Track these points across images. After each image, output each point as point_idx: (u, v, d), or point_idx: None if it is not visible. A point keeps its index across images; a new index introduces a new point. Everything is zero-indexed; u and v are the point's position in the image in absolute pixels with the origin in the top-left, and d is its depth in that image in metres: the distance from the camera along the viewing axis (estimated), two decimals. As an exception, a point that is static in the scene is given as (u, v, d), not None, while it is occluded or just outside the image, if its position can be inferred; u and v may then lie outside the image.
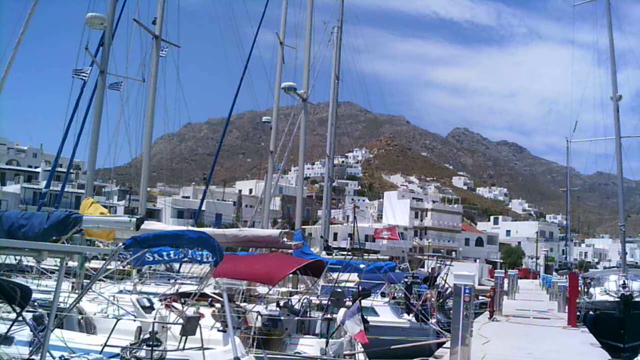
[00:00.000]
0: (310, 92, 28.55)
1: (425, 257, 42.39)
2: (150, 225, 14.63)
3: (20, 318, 6.80)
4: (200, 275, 12.68)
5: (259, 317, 12.33)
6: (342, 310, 12.52)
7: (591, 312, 25.02)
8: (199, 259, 9.43)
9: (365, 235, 63.69)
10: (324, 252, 26.60)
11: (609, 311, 23.20)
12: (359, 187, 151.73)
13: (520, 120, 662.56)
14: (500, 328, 21.89)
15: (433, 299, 21.91)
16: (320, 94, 50.77)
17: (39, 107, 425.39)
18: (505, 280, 37.12)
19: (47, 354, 6.38)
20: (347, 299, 13.63)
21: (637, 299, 22.28)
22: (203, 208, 36.73)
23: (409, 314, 20.31)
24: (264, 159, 33.32)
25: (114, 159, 23.68)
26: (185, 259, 9.87)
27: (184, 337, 9.05)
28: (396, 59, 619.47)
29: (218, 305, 11.79)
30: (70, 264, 12.06)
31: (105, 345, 8.92)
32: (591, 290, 28.41)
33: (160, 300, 11.43)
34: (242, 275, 13.34)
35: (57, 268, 11.20)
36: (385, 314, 19.54)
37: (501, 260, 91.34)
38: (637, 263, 62.47)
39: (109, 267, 11.61)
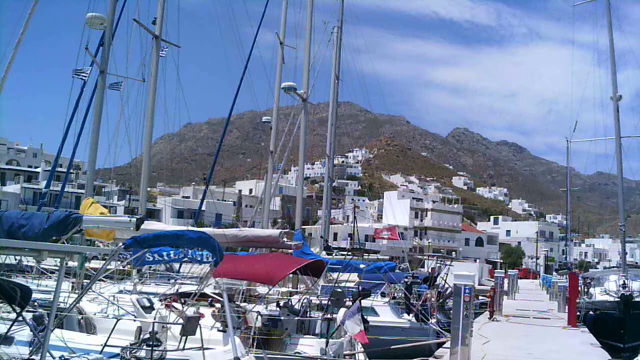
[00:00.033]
0: (310, 92, 28.57)
1: (425, 257, 42.39)
2: (150, 225, 14.63)
3: (20, 318, 6.80)
4: (200, 275, 12.68)
5: (259, 317, 12.33)
6: (342, 310, 12.52)
7: (591, 312, 25.02)
8: (199, 259, 9.43)
9: (365, 235, 63.69)
10: (324, 252, 26.60)
11: (609, 311, 23.19)
12: (359, 187, 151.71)
13: (520, 120, 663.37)
14: (500, 328, 21.89)
15: (433, 299, 21.91)
16: (320, 94, 50.86)
17: (39, 107, 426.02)
18: (505, 280, 37.12)
19: (47, 354, 6.38)
20: (347, 299, 13.63)
21: (637, 299, 22.28)
22: (203, 208, 36.73)
23: (409, 314, 20.31)
24: (264, 159, 33.32)
25: (114, 159, 23.72)
26: (185, 259, 9.87)
27: (184, 337, 9.05)
28: (396, 59, 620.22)
29: (218, 305, 11.79)
30: (70, 264, 12.06)
31: (105, 345, 8.92)
32: (591, 290, 28.41)
33: (160, 300, 11.43)
34: (242, 275, 13.34)
35: (57, 268, 11.20)
36: (385, 314, 19.54)
37: (501, 260, 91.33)
38: (637, 263, 62.48)
39: (109, 267, 11.61)
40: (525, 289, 49.66)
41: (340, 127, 62.29)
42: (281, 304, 14.14)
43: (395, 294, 22.15)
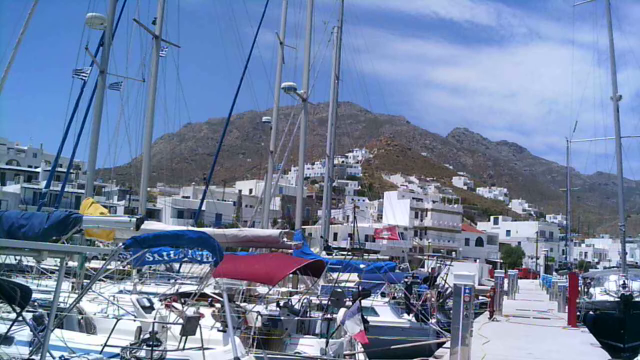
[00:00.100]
0: (310, 92, 28.57)
1: (425, 257, 42.39)
2: (150, 225, 14.63)
3: (20, 318, 6.80)
4: (200, 275, 12.68)
5: (259, 317, 12.32)
6: (342, 310, 12.52)
7: (591, 312, 25.01)
8: (199, 259, 9.43)
9: (365, 235, 63.69)
10: (324, 252, 26.59)
11: (609, 311, 23.19)
12: (359, 187, 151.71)
13: (520, 120, 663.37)
14: (500, 328, 21.89)
15: (433, 299, 21.91)
16: (320, 94, 50.85)
17: (39, 107, 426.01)
18: (505, 280, 37.12)
19: (47, 354, 6.38)
20: (347, 299, 13.63)
21: (637, 299, 22.28)
22: (203, 208, 36.73)
23: (409, 314, 20.31)
24: (264, 159, 33.32)
25: (114, 159, 23.72)
26: (185, 259, 9.87)
27: (184, 337, 9.05)
28: (396, 59, 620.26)
29: (218, 305, 11.79)
30: (70, 264, 12.06)
31: (105, 345, 8.92)
32: (591, 290, 28.40)
33: (160, 300, 11.43)
34: (242, 275, 13.34)
35: (57, 268, 11.20)
36: (385, 314, 19.54)
37: (501, 260, 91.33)
38: (637, 263, 62.47)
39: (109, 267, 11.61)
40: (525, 289, 49.66)
41: (340, 127, 62.31)
42: (281, 304, 14.14)
43: (395, 294, 22.15)
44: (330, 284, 17.36)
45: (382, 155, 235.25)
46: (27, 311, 7.89)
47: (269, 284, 13.81)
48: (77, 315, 10.76)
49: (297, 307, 13.99)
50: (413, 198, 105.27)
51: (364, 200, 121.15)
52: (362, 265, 21.28)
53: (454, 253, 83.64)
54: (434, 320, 20.35)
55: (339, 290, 14.14)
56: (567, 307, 25.35)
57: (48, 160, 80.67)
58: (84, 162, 52.88)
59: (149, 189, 26.71)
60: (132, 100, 22.86)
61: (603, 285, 26.79)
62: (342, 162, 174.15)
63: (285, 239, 16.64)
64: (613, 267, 51.26)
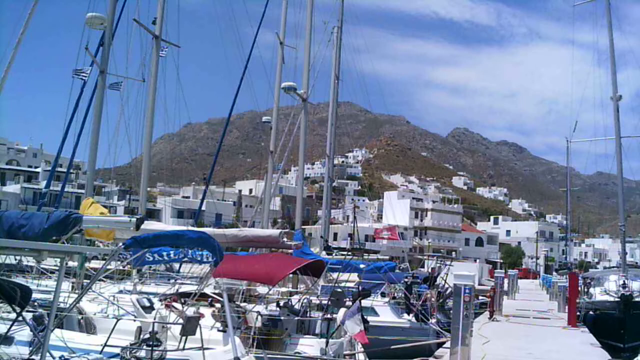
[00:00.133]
0: (310, 92, 28.57)
1: (425, 257, 42.39)
2: (150, 225, 14.63)
3: (20, 318, 6.80)
4: (200, 275, 12.67)
5: (259, 317, 12.32)
6: (342, 310, 12.52)
7: (591, 312, 25.01)
8: (199, 259, 9.43)
9: (365, 235, 63.69)
10: (324, 252, 26.59)
11: (609, 311, 23.19)
12: (359, 187, 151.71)
13: (520, 120, 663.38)
14: (500, 328, 21.89)
15: (433, 299, 21.91)
16: (320, 94, 50.85)
17: (39, 107, 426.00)
18: (505, 280, 37.12)
19: (47, 354, 6.38)
20: (347, 299, 13.63)
21: (637, 299, 22.28)
22: (203, 208, 36.73)
23: (409, 314, 20.31)
24: (264, 159, 33.32)
25: (114, 159, 23.71)
26: (185, 259, 9.87)
27: (184, 337, 9.05)
28: (396, 59, 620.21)
29: (218, 305, 11.79)
30: (70, 264, 12.06)
31: (105, 345, 8.92)
32: (591, 290, 28.40)
33: (160, 300, 11.43)
34: (242, 275, 13.34)
35: (57, 268, 11.20)
36: (385, 314, 19.54)
37: (501, 260, 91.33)
38: (637, 263, 62.47)
39: (109, 267, 11.61)
40: (525, 289, 49.65)
41: (340, 127, 62.31)
42: (281, 304, 14.14)
43: (395, 294, 22.15)
44: (330, 284, 17.36)
45: (382, 155, 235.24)
46: (27, 311, 7.89)
47: (269, 284, 13.81)
48: (77, 315, 10.76)
49: (297, 307, 13.99)
50: (413, 198, 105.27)
51: (364, 200, 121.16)
52: (362, 265, 21.28)
53: (454, 253, 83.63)
54: (434, 320, 20.35)
55: (339, 290, 14.14)
56: (567, 307, 25.35)
57: (48, 160, 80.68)
58: (84, 162, 52.90)
59: (149, 189, 26.71)
60: (132, 100, 22.89)
61: (603, 285, 26.79)
62: (342, 162, 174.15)
63: (285, 239, 16.64)
64: (613, 267, 51.26)
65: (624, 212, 29.35)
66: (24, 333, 8.27)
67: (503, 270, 46.13)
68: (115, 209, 56.84)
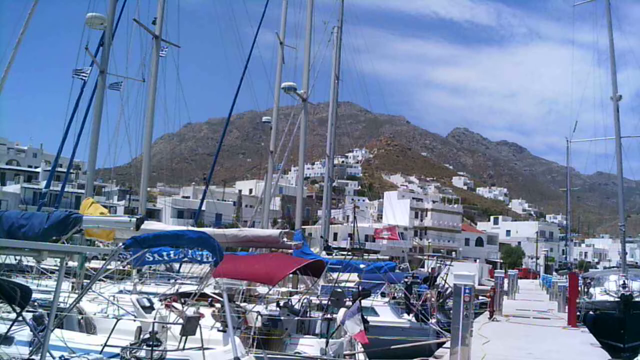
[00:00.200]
0: (310, 92, 28.56)
1: (425, 257, 42.39)
2: (150, 225, 14.63)
3: (20, 318, 6.80)
4: (200, 275, 12.67)
5: (259, 317, 12.32)
6: (342, 310, 12.52)
7: (591, 312, 25.01)
8: (199, 259, 9.43)
9: (365, 235, 63.69)
10: (324, 252, 26.59)
11: (609, 311, 23.19)
12: (359, 187, 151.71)
13: (520, 120, 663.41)
14: (500, 328, 21.89)
15: (433, 299, 21.91)
16: (320, 94, 50.87)
17: (39, 107, 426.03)
18: (505, 280, 37.12)
19: (47, 354, 6.38)
20: (347, 299, 13.63)
21: (637, 299, 22.28)
22: (203, 208, 36.73)
23: (409, 314, 20.31)
24: (264, 159, 33.32)
25: (114, 159, 23.72)
26: (185, 259, 9.87)
27: (184, 337, 9.05)
28: (396, 59, 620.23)
29: (218, 305, 11.79)
30: (70, 264, 12.06)
31: (105, 345, 8.92)
32: (591, 290, 28.40)
33: (160, 300, 11.43)
34: (242, 275, 13.34)
35: (57, 268, 11.20)
36: (385, 314, 19.54)
37: (501, 260, 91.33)
38: (637, 263, 62.47)
39: (109, 267, 11.61)
40: (525, 289, 49.65)
41: (340, 127, 62.31)
42: (281, 304, 14.14)
43: (395, 294, 22.15)
44: (330, 284, 17.36)
45: (382, 155, 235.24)
46: (27, 311, 7.89)
47: (269, 284, 13.81)
48: (77, 315, 10.76)
49: (297, 307, 13.99)
50: (413, 198, 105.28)
51: (364, 200, 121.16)
52: (362, 265, 21.28)
53: (454, 253, 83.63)
54: (434, 320, 20.35)
55: (339, 290, 14.14)
56: (567, 307, 25.35)
57: (48, 160, 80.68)
58: (84, 162, 52.90)
59: (149, 189, 26.71)
60: (132, 100, 22.89)
61: (603, 285, 26.79)
62: (342, 162, 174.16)
63: (285, 239, 16.64)
64: (613, 267, 51.25)
65: (624, 212, 29.35)
66: (24, 333, 8.27)
67: (503, 270, 46.12)
68: (115, 209, 56.84)
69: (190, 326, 9.00)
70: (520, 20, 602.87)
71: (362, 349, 12.82)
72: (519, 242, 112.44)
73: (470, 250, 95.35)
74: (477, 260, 66.02)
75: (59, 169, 46.91)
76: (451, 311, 14.62)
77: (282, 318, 13.12)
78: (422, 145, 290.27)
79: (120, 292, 12.94)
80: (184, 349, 8.98)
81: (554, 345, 17.84)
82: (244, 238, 16.77)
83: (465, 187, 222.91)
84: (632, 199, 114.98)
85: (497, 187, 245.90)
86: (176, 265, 16.54)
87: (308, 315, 13.72)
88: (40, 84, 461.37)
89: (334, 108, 34.24)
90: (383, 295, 21.72)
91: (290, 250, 17.48)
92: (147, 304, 11.15)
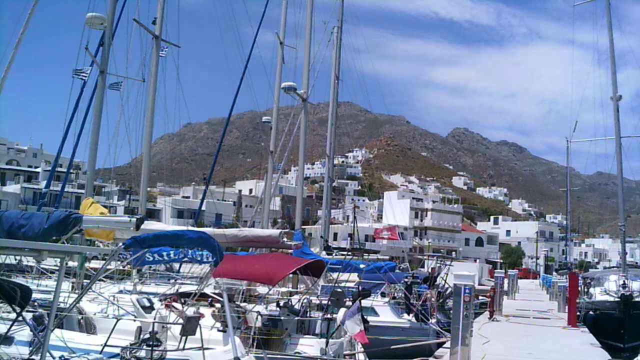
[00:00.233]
0: (310, 92, 28.57)
1: (425, 257, 42.39)
2: (150, 225, 14.63)
3: (20, 318, 6.80)
4: (200, 275, 12.68)
5: (259, 317, 12.32)
6: (342, 310, 12.52)
7: (591, 312, 25.01)
8: (199, 259, 9.43)
9: (365, 235, 63.69)
10: (324, 252, 26.60)
11: (609, 311, 23.19)
12: (359, 187, 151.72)
13: (520, 120, 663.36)
14: (500, 328, 21.89)
15: (433, 299, 21.91)
16: (320, 94, 50.86)
17: (39, 107, 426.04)
18: (505, 280, 37.12)
19: (47, 354, 6.38)
20: (347, 299, 13.63)
21: (637, 299, 22.28)
22: (203, 208, 36.73)
23: (409, 314, 20.31)
24: (264, 159, 33.32)
25: (114, 159, 23.72)
26: (185, 259, 9.87)
27: (184, 337, 9.05)
28: (396, 59, 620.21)
29: (218, 305, 11.79)
30: (70, 264, 12.06)
31: (105, 345, 8.92)
32: (591, 290, 28.40)
33: (160, 300, 11.43)
34: (242, 275, 13.34)
35: (57, 268, 11.20)
36: (385, 314, 19.54)
37: (501, 260, 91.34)
38: (637, 263, 62.48)
39: (109, 267, 11.61)
40: (525, 289, 49.65)
41: (340, 127, 62.31)
42: (281, 304, 14.14)
43: (395, 294, 22.15)
44: (330, 284, 17.36)
45: (382, 155, 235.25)
46: (27, 311, 7.89)
47: (269, 284, 13.81)
48: (77, 315, 10.76)
49: (297, 307, 13.99)
50: (413, 198, 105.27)
51: (364, 200, 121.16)
52: (362, 265, 21.28)
53: (454, 253, 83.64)
54: (434, 320, 20.35)
55: (339, 290, 14.14)
56: (567, 307, 25.35)
57: (48, 160, 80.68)
58: (84, 162, 52.90)
59: (149, 189, 26.71)
60: (132, 100, 22.89)
61: (603, 285, 26.79)
62: (342, 162, 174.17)
63: (285, 239, 16.64)
64: (613, 267, 51.26)
65: (624, 212, 29.35)
66: (24, 333, 8.27)
67: (503, 270, 46.13)
68: (115, 209, 56.84)
69: (190, 326, 9.00)
70: (520, 20, 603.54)
71: (362, 349, 12.82)
72: (519, 242, 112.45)
73: (470, 250, 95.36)
74: (477, 260, 66.01)
75: (59, 169, 46.91)
76: (451, 311, 14.62)
77: (282, 318, 13.12)
78: (422, 145, 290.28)
79: (120, 292, 12.94)
80: (184, 349, 8.98)
81: (554, 345, 17.84)
82: (244, 238, 16.78)
83: (465, 187, 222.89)
84: (632, 199, 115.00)
85: (497, 187, 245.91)
86: (176, 265, 16.54)
87: (308, 315, 13.72)
88: (40, 84, 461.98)
89: (334, 108, 34.25)
90: (383, 295, 21.72)
91: (290, 250, 17.49)
92: (147, 304, 11.15)
